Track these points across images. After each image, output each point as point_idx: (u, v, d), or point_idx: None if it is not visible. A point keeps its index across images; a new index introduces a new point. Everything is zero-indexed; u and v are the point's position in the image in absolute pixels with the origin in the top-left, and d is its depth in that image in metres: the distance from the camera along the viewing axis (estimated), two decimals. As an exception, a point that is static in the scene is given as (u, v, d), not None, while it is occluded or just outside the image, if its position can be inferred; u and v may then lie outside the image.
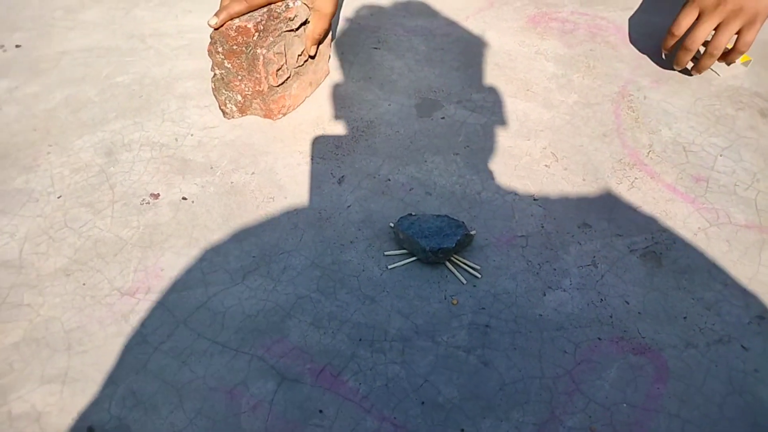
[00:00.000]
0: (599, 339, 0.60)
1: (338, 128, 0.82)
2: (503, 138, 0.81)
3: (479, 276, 0.65)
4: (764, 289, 0.64)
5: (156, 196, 0.74)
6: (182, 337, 0.60)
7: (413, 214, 0.69)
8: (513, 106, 0.85)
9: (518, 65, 0.93)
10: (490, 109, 0.85)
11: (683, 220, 0.70)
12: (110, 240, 0.69)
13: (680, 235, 0.69)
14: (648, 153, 0.78)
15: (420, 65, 0.93)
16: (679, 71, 0.90)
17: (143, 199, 0.73)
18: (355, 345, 0.59)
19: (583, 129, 0.82)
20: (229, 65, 0.78)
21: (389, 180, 0.75)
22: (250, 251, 0.68)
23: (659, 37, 0.98)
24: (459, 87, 0.89)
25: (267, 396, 0.56)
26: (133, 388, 0.57)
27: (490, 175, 0.76)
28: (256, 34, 0.75)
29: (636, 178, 0.75)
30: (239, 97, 0.81)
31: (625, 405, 0.55)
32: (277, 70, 0.79)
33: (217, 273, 0.66)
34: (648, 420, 0.54)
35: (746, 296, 0.63)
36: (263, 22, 0.75)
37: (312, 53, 0.83)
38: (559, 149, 0.79)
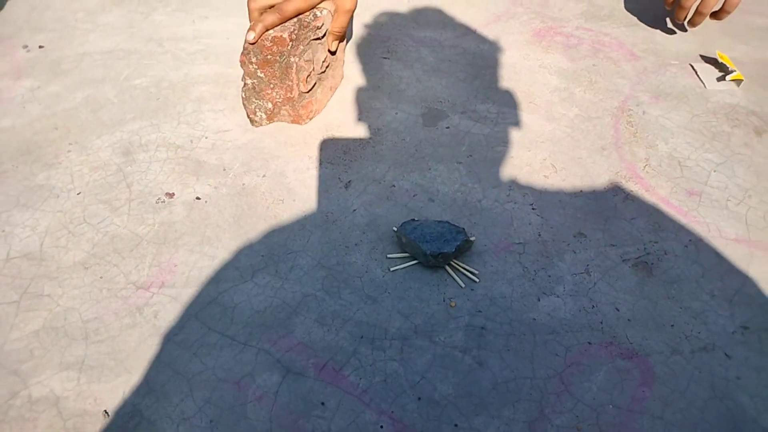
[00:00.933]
0: (589, 343, 0.63)
1: (346, 135, 0.86)
2: (505, 148, 0.84)
3: (477, 280, 0.68)
4: (750, 301, 0.66)
5: (171, 195, 0.77)
6: (193, 329, 0.64)
7: (416, 219, 0.72)
8: (516, 117, 0.88)
9: (522, 78, 0.96)
10: (494, 120, 0.88)
11: (675, 232, 0.73)
12: (126, 236, 0.73)
13: (671, 247, 0.72)
14: (644, 167, 0.81)
15: (427, 75, 0.97)
16: (677, 26, 1.04)
17: (158, 198, 0.77)
18: (356, 342, 0.63)
19: (583, 142, 0.85)
20: (261, 74, 0.81)
21: (394, 186, 0.79)
22: (259, 250, 0.71)
23: (661, 54, 1.01)
24: (464, 98, 0.92)
25: (272, 387, 0.59)
26: (146, 376, 0.60)
27: (491, 183, 0.79)
28: (291, 43, 0.78)
29: (631, 191, 0.78)
30: (269, 105, 0.85)
31: (611, 406, 0.58)
32: (307, 76, 0.83)
33: (227, 270, 0.69)
34: (632, 421, 0.57)
35: (732, 307, 0.66)
36: (295, 32, 0.79)
37: (333, 49, 0.86)
38: (558, 161, 0.82)
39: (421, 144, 0.85)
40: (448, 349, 0.62)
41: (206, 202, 0.77)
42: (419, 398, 0.58)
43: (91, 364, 0.61)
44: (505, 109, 0.90)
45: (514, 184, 0.79)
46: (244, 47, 0.80)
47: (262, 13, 0.80)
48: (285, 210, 0.76)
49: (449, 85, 0.94)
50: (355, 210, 0.76)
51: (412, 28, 1.07)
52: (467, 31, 1.06)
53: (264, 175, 0.80)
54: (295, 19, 0.80)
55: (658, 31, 1.06)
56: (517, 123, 0.88)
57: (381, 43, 1.03)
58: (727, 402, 0.59)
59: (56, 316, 0.65)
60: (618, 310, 0.66)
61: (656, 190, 0.78)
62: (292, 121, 0.87)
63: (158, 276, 0.68)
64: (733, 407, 0.58)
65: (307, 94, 0.85)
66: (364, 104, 0.91)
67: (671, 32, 1.06)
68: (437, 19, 1.09)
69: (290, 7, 0.78)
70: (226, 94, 0.92)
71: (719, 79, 0.95)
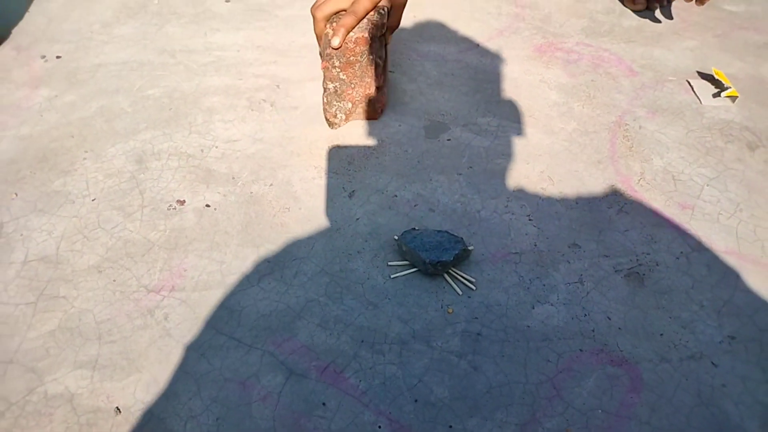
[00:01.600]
0: (581, 350, 0.65)
1: (351, 146, 0.89)
2: (504, 161, 0.86)
3: (474, 288, 0.71)
4: (737, 312, 0.69)
5: (182, 202, 0.81)
6: (202, 332, 0.67)
7: (416, 228, 0.75)
8: (515, 131, 0.91)
9: (522, 92, 0.99)
10: (494, 133, 0.91)
11: (667, 244, 0.76)
12: (139, 241, 0.76)
13: (663, 259, 0.74)
14: (639, 180, 0.84)
15: (431, 89, 1.00)
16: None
17: (170, 205, 0.80)
18: (357, 346, 0.65)
19: (580, 155, 0.87)
20: (344, 77, 0.85)
21: (396, 196, 0.81)
22: (265, 256, 0.74)
23: (659, 69, 1.03)
24: (466, 111, 0.95)
25: (276, 388, 0.62)
26: (156, 376, 0.63)
27: (489, 195, 0.82)
28: (371, 42, 0.83)
29: (626, 204, 0.80)
30: (349, 105, 0.89)
31: (600, 411, 0.61)
32: (382, 68, 0.88)
33: (235, 275, 0.72)
34: (620, 426, 0.59)
35: (720, 317, 0.68)
36: (371, 30, 0.83)
37: (389, 42, 0.91)
38: (555, 173, 0.84)
39: (423, 155, 0.88)
40: (445, 353, 0.65)
41: (216, 209, 0.80)
42: (416, 400, 0.61)
43: (104, 363, 0.64)
44: (505, 122, 0.93)
45: (512, 196, 0.82)
46: (326, 54, 0.83)
47: (327, 23, 0.84)
48: (291, 218, 0.79)
49: (452, 99, 0.97)
50: (358, 219, 0.79)
51: (416, 42, 1.10)
52: (470, 46, 1.09)
53: (271, 184, 0.83)
54: (365, 19, 0.84)
55: (657, 47, 1.09)
56: (516, 136, 0.90)
57: (386, 57, 1.06)
58: (713, 409, 0.61)
59: (71, 317, 0.68)
60: (609, 319, 0.68)
61: (650, 203, 0.81)
62: (367, 118, 0.92)
63: (169, 280, 0.72)
64: (718, 414, 0.60)
65: (379, 90, 0.89)
66: (369, 116, 0.94)
67: (670, 48, 1.08)
68: (441, 34, 1.12)
69: (361, 8, 0.82)
70: (236, 105, 0.96)
71: (715, 96, 0.97)
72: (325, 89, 0.87)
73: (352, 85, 0.86)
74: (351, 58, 0.83)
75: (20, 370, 0.64)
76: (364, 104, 0.89)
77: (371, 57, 0.84)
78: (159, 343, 0.66)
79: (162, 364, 0.64)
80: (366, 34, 0.82)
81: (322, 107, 0.91)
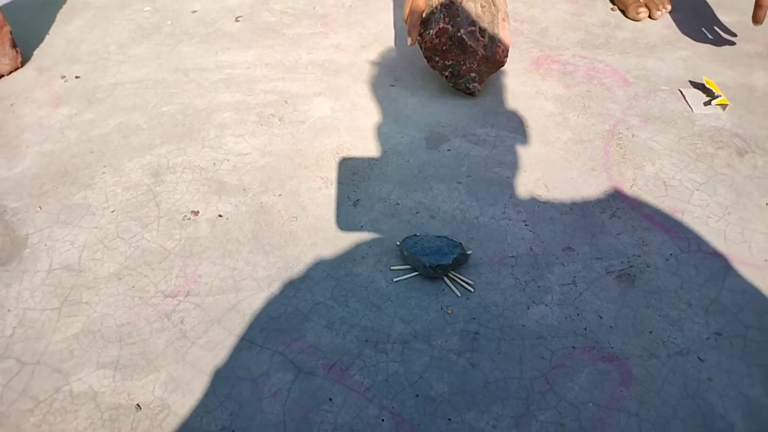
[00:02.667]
0: (573, 348, 0.69)
1: (356, 157, 0.93)
2: (501, 169, 0.91)
3: (472, 290, 0.74)
4: (724, 310, 0.72)
5: (196, 213, 0.85)
6: (216, 333, 0.71)
7: (417, 234, 0.79)
8: (513, 140, 0.95)
9: (520, 103, 1.03)
10: (492, 143, 0.95)
11: (658, 247, 0.79)
12: (156, 250, 0.80)
13: (653, 260, 0.78)
14: (631, 186, 0.87)
15: (431, 101, 1.04)
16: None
17: (185, 215, 0.85)
18: (361, 345, 0.69)
19: (574, 163, 0.91)
20: (450, 62, 0.95)
21: (398, 204, 0.86)
22: (275, 263, 0.78)
23: (652, 80, 1.07)
24: (465, 122, 0.99)
25: (285, 385, 0.66)
26: (173, 374, 0.67)
27: (487, 202, 0.86)
28: (449, 25, 0.91)
29: (618, 208, 0.84)
30: (473, 75, 0.97)
31: (591, 404, 0.64)
32: (478, 32, 0.94)
33: (246, 280, 0.76)
34: (610, 417, 0.63)
35: (707, 315, 0.72)
36: (444, 14, 0.91)
37: None
38: (550, 181, 0.88)
39: (424, 165, 0.92)
40: (445, 351, 0.69)
41: (228, 219, 0.84)
42: (417, 395, 0.65)
43: (125, 363, 0.69)
44: (503, 132, 0.97)
45: (509, 202, 0.85)
46: (424, 56, 0.97)
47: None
48: (299, 226, 0.83)
49: (451, 111, 1.02)
50: (362, 226, 0.83)
51: (418, 57, 1.15)
52: (470, 60, 1.14)
53: (280, 195, 0.88)
54: (433, 4, 0.93)
55: (650, 57, 1.13)
56: (513, 146, 0.94)
57: (389, 72, 1.11)
58: (698, 401, 0.64)
59: (93, 321, 0.73)
60: (601, 318, 0.72)
61: (641, 208, 0.84)
62: (496, 69, 0.98)
63: (184, 285, 0.76)
64: (704, 405, 0.64)
65: (489, 42, 0.95)
66: (372, 129, 0.98)
67: (662, 59, 1.12)
68: (442, 48, 1.17)
69: (418, 2, 0.92)
70: (246, 120, 1.01)
71: (706, 104, 1.01)
72: (445, 77, 0.98)
73: (461, 62, 0.94)
74: (443, 48, 0.92)
75: (47, 370, 0.68)
76: (484, 65, 0.95)
77: (459, 34, 0.91)
78: (176, 345, 0.70)
79: (179, 364, 0.68)
80: (441, 24, 0.90)
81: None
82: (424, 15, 0.94)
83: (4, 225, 0.84)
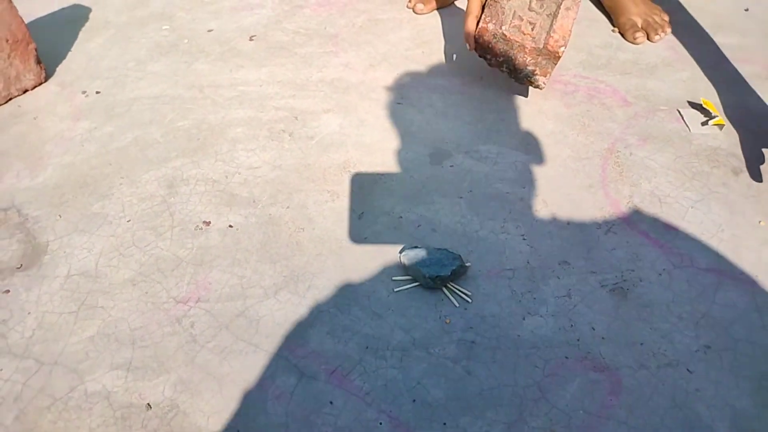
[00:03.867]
0: (566, 358, 0.71)
1: (362, 172, 0.97)
2: (502, 185, 0.94)
3: (470, 301, 0.77)
4: (714, 324, 0.74)
5: (207, 223, 0.89)
6: (224, 338, 0.74)
7: (418, 246, 0.83)
8: (513, 158, 0.99)
9: (522, 122, 1.06)
10: (493, 159, 0.98)
11: (651, 262, 0.82)
12: (169, 258, 0.84)
13: (647, 275, 0.80)
14: (627, 203, 0.90)
15: (436, 119, 1.08)
16: None
17: (197, 226, 0.89)
18: (362, 352, 0.72)
19: (573, 180, 0.94)
20: (501, 58, 1.03)
21: (401, 217, 0.89)
22: (281, 272, 0.82)
23: (652, 100, 1.10)
24: (468, 139, 1.03)
25: (289, 388, 0.69)
26: (183, 376, 0.71)
27: (487, 216, 0.89)
28: (491, 24, 1.00)
29: (614, 224, 0.87)
30: (531, 68, 1.01)
31: (582, 412, 0.66)
32: (524, 26, 0.99)
33: (254, 288, 0.80)
34: (600, 425, 0.65)
35: (698, 328, 0.74)
36: (484, 11, 1.01)
37: None
38: (549, 197, 0.91)
39: (428, 180, 0.95)
40: (442, 359, 0.72)
41: (237, 229, 0.88)
42: (414, 400, 0.68)
43: (137, 365, 0.72)
44: (505, 149, 1.00)
45: (508, 217, 0.89)
46: (480, 57, 1.08)
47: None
48: (305, 237, 0.87)
49: (455, 128, 1.05)
50: (366, 238, 0.86)
51: (424, 76, 1.19)
52: (474, 79, 1.17)
53: (288, 207, 0.91)
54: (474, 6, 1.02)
55: (651, 78, 1.16)
56: (514, 163, 0.98)
57: (396, 90, 1.15)
58: (686, 411, 0.66)
59: (108, 325, 0.77)
60: (594, 329, 0.74)
61: (637, 224, 0.87)
62: (555, 59, 0.99)
63: (195, 292, 0.80)
64: (691, 415, 0.66)
65: (536, 35, 0.98)
66: (379, 145, 1.02)
67: (663, 80, 1.15)
68: (448, 67, 1.21)
69: (469, 7, 1.02)
70: (258, 135, 1.05)
71: (703, 124, 1.03)
72: (504, 73, 1.06)
73: (513, 57, 1.00)
74: (489, 45, 1.02)
75: (64, 370, 0.72)
76: (539, 56, 0.99)
77: (501, 30, 0.99)
78: (186, 348, 0.74)
79: (188, 366, 0.72)
80: (481, 24, 1.00)
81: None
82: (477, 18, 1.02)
83: (26, 232, 0.89)
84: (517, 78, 1.05)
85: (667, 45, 1.25)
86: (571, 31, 0.96)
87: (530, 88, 1.13)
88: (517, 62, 1.01)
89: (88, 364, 0.73)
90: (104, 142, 1.05)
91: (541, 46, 0.98)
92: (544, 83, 1.03)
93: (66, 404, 0.69)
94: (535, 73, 1.02)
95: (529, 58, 1.00)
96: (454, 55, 1.22)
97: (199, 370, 0.71)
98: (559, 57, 0.98)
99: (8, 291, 0.81)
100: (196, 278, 0.81)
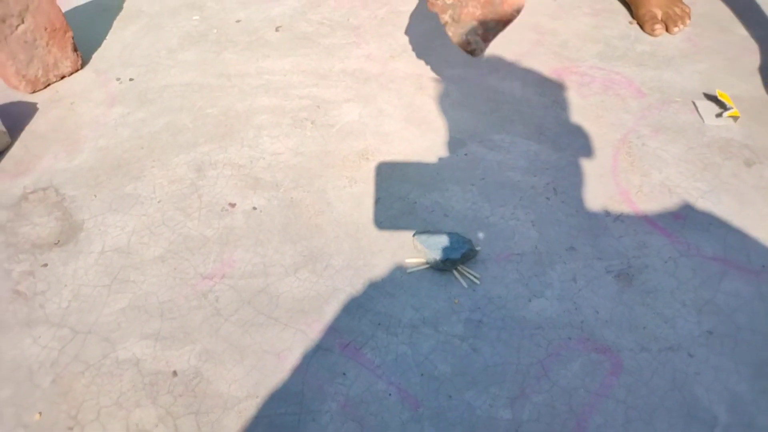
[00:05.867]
0: (569, 339, 0.75)
1: (379, 159, 1.01)
2: (514, 173, 0.97)
3: (478, 283, 0.81)
4: (717, 310, 0.77)
5: (233, 205, 0.94)
6: (246, 312, 0.79)
7: (430, 230, 0.86)
8: (526, 147, 1.01)
9: (536, 112, 1.09)
10: (507, 148, 1.01)
11: (658, 249, 0.84)
12: (197, 237, 0.89)
13: (652, 262, 0.83)
14: (637, 192, 0.92)
15: (453, 108, 1.11)
16: None
17: (223, 207, 0.94)
18: (375, 328, 0.77)
19: (583, 169, 0.97)
20: (450, 1, 0.90)
21: (416, 203, 0.93)
22: (301, 252, 0.86)
23: (667, 91, 1.12)
24: (483, 129, 1.06)
25: (305, 360, 0.74)
26: (207, 347, 0.76)
27: (498, 203, 0.92)
28: None
29: (622, 213, 0.89)
30: (476, 25, 0.91)
31: (582, 390, 0.70)
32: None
33: (275, 267, 0.85)
34: (599, 403, 0.69)
35: (700, 315, 0.76)
36: None
37: None
38: (560, 185, 0.94)
39: (442, 168, 0.99)
40: (450, 337, 0.75)
41: (261, 211, 0.93)
42: (422, 374, 0.72)
43: (165, 335, 0.78)
44: (517, 139, 1.03)
45: (518, 204, 0.92)
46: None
47: None
48: (324, 220, 0.91)
49: (471, 118, 1.08)
50: (381, 222, 0.90)
51: (442, 67, 1.22)
52: (491, 70, 1.20)
53: (308, 191, 0.96)
54: None
55: (667, 70, 1.17)
56: (526, 152, 1.00)
57: (415, 81, 1.18)
58: (685, 393, 0.69)
59: (139, 298, 0.82)
60: (597, 313, 0.77)
61: (645, 213, 0.89)
62: (504, 23, 0.89)
63: (220, 269, 0.85)
64: (689, 397, 0.69)
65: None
66: (396, 134, 1.06)
67: (678, 71, 1.16)
68: (465, 59, 1.23)
69: None
70: (282, 123, 1.09)
71: (717, 116, 1.05)
72: (446, 25, 0.91)
73: (464, 2, 0.88)
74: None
75: (97, 339, 0.78)
76: (490, 15, 0.88)
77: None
78: (210, 321, 0.79)
79: (212, 338, 0.77)
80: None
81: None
82: None
83: (63, 211, 0.95)
84: (456, 34, 0.93)
85: (686, 37, 1.26)
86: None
87: (543, 80, 1.15)
88: (465, 12, 0.90)
89: (119, 333, 0.78)
90: (137, 127, 1.11)
91: (497, 1, 0.87)
92: (482, 51, 0.94)
93: (99, 370, 0.74)
94: (478, 33, 0.92)
95: (479, 11, 0.89)
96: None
97: (223, 341, 0.76)
98: (511, 20, 0.89)
99: (46, 265, 0.87)
100: (221, 256, 0.86)
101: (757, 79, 1.13)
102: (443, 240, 0.83)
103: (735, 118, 1.03)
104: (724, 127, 1.03)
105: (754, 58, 1.19)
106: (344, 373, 0.72)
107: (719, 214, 0.89)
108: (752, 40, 1.24)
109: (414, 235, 0.86)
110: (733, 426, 0.67)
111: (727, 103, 1.04)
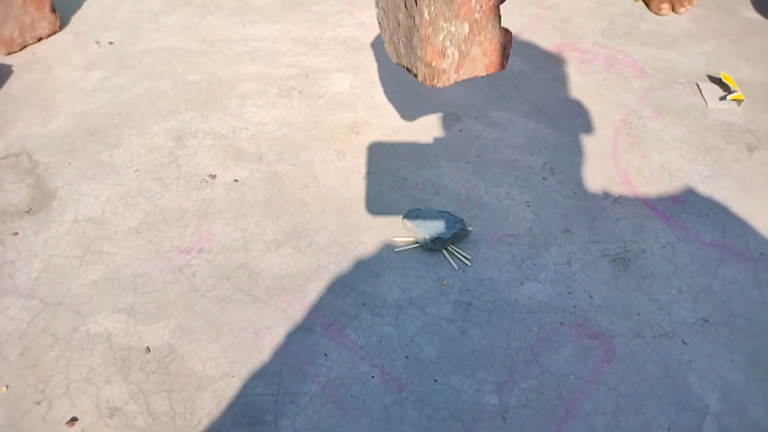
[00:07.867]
0: (561, 323, 0.72)
1: (369, 132, 0.96)
2: (510, 152, 0.93)
3: (469, 264, 0.77)
4: (713, 297, 0.74)
5: (213, 176, 0.90)
6: (224, 288, 0.75)
7: (420, 208, 0.82)
8: (524, 124, 0.97)
9: (535, 89, 1.04)
10: (504, 125, 0.97)
11: (656, 234, 0.81)
12: (174, 208, 0.85)
13: (650, 247, 0.80)
14: (636, 174, 0.89)
15: (448, 83, 1.06)
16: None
17: (203, 178, 0.89)
18: (359, 308, 0.73)
19: (583, 149, 0.93)
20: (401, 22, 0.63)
21: (406, 179, 0.89)
22: (284, 227, 0.82)
23: (670, 72, 1.08)
24: (479, 104, 1.02)
25: (285, 339, 0.70)
26: (182, 323, 0.72)
27: (493, 182, 0.88)
28: None
29: (620, 195, 0.86)
30: (465, 29, 0.65)
31: (573, 376, 0.67)
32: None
33: (256, 242, 0.81)
34: (590, 390, 0.66)
35: (696, 302, 0.74)
36: None
37: None
38: (557, 165, 0.90)
39: (435, 144, 0.95)
40: (437, 319, 0.72)
41: (243, 184, 0.89)
42: (407, 357, 0.69)
43: (138, 310, 0.74)
44: (515, 116, 0.99)
45: (514, 184, 0.88)
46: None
47: None
48: (309, 195, 0.87)
49: (467, 93, 1.04)
50: (370, 198, 0.86)
51: (439, 39, 1.17)
52: (490, 44, 1.15)
53: (294, 164, 0.91)
54: None
55: (671, 50, 1.13)
56: (524, 129, 0.97)
57: (409, 52, 1.13)
58: (677, 381, 0.66)
59: (112, 270, 0.78)
60: (591, 297, 0.74)
61: (644, 196, 0.86)
62: (498, 65, 0.68)
63: (198, 243, 0.81)
64: (682, 385, 0.66)
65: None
66: (388, 106, 1.01)
67: (683, 52, 1.12)
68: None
69: None
70: (267, 92, 1.04)
71: (721, 98, 1.01)
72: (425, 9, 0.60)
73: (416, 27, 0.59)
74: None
75: (67, 311, 0.74)
76: (485, 32, 0.63)
77: None
78: (186, 296, 0.75)
79: (188, 314, 0.73)
80: None
81: (403, 57, 0.67)
82: None
83: (36, 178, 0.90)
84: (407, 56, 0.69)
85: (692, 17, 1.22)
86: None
87: (544, 56, 1.11)
88: (414, 39, 0.64)
89: (90, 306, 0.74)
90: (115, 92, 1.06)
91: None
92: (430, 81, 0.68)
93: (68, 344, 0.70)
94: (419, 65, 0.67)
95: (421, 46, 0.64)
96: None
97: (198, 318, 0.73)
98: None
99: (17, 233, 0.82)
100: (199, 229, 0.82)
101: (765, 63, 1.10)
102: (434, 218, 0.79)
103: (739, 101, 1.00)
104: (728, 111, 1.00)
105: (761, 41, 1.15)
106: (326, 354, 0.69)
107: (719, 199, 0.86)
108: (759, 23, 1.20)
109: (403, 213, 0.83)
110: (725, 415, 0.64)
111: (732, 86, 1.01)
